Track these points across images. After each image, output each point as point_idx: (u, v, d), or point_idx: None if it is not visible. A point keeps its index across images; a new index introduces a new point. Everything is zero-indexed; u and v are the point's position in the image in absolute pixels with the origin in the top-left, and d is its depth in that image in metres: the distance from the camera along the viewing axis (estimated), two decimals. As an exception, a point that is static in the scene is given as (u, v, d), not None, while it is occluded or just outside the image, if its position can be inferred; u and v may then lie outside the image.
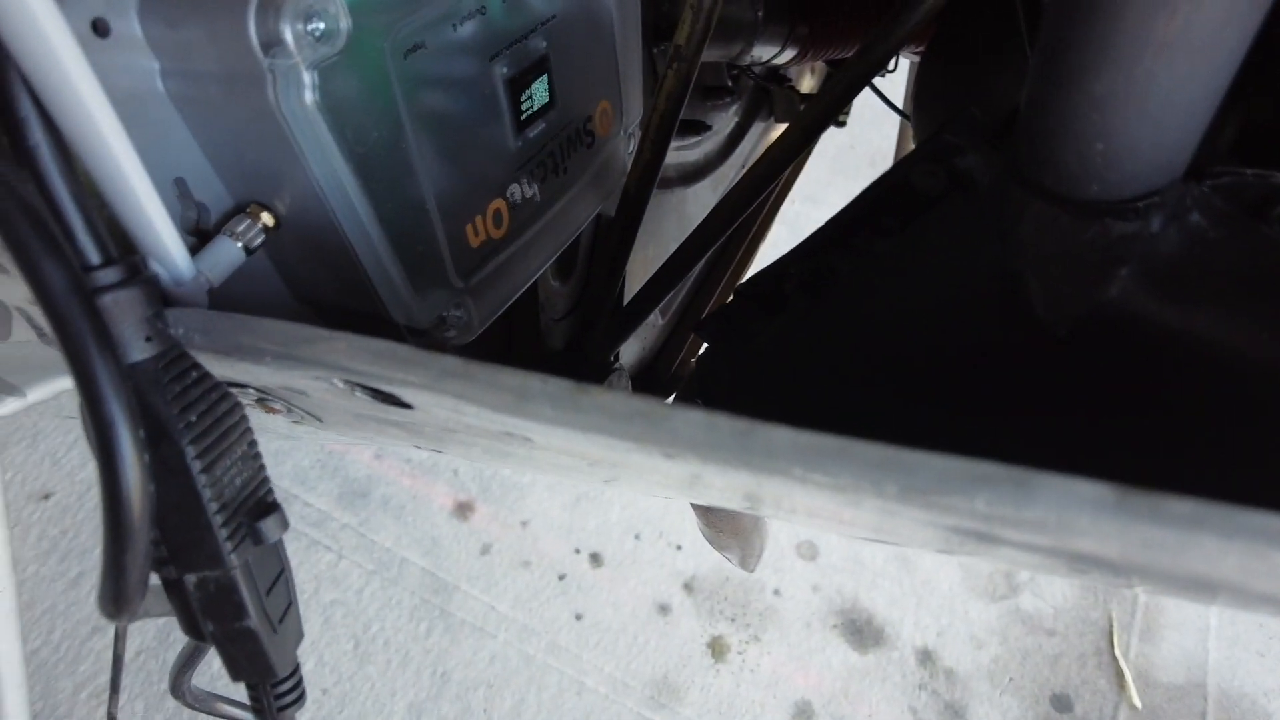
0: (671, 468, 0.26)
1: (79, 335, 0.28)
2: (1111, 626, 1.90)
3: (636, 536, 2.16)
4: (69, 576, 1.88)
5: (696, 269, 1.00)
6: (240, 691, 0.40)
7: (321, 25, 0.33)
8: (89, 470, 2.07)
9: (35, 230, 0.27)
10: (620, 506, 2.20)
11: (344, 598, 1.91)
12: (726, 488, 0.30)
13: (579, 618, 1.96)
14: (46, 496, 2.00)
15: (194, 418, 0.31)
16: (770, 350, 0.52)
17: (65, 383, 0.61)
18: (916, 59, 0.96)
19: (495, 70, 0.44)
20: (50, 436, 2.12)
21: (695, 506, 0.89)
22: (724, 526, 0.91)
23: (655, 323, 0.96)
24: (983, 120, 0.38)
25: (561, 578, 2.06)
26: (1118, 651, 1.85)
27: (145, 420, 0.30)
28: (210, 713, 0.65)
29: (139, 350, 0.30)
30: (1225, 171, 0.34)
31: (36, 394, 0.66)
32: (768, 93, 1.09)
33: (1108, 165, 0.32)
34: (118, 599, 0.31)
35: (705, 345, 0.58)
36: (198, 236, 0.39)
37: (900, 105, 1.15)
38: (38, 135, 0.29)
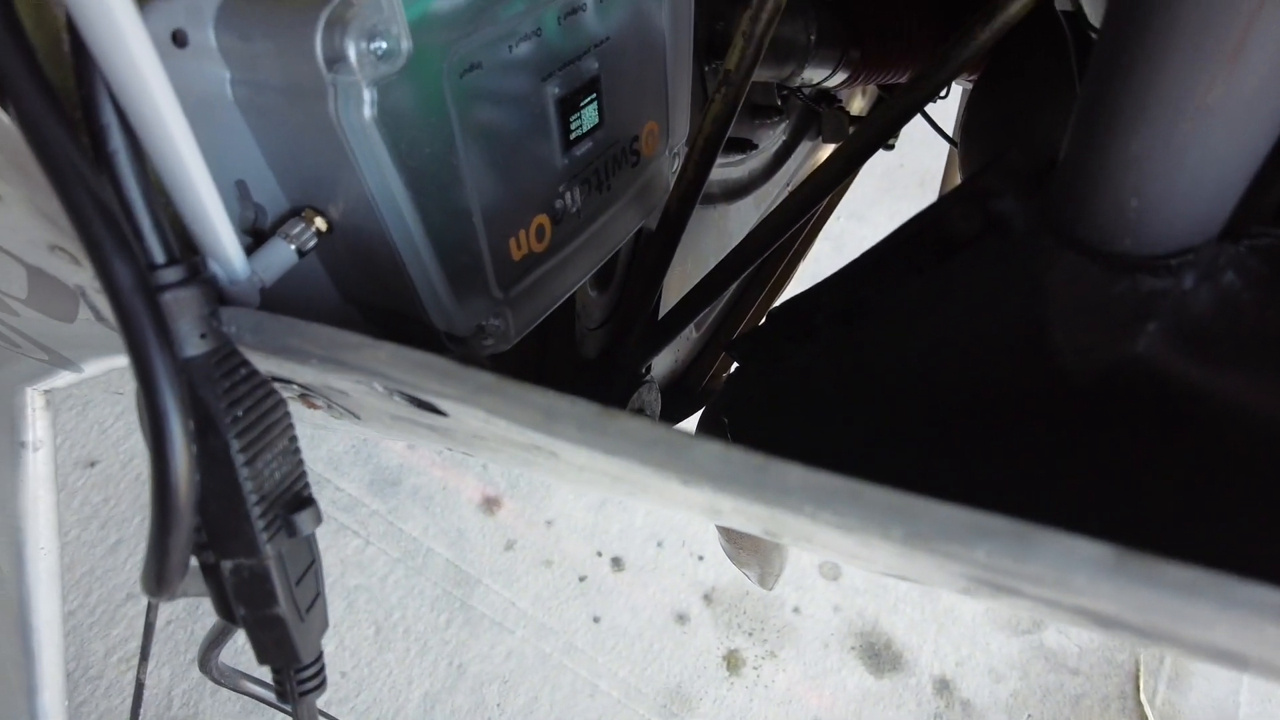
0: (690, 494, 0.27)
1: (141, 330, 0.29)
2: (1138, 671, 1.86)
3: (659, 544, 2.17)
4: (108, 543, 1.95)
5: (733, 287, 1.00)
6: (265, 671, 0.42)
7: (384, 45, 0.35)
8: (133, 441, 2.14)
9: (109, 230, 0.29)
10: (644, 513, 2.21)
11: (368, 583, 1.94)
12: (744, 517, 0.31)
13: (597, 620, 1.97)
14: (92, 464, 2.06)
15: (240, 412, 0.33)
16: (798, 376, 0.53)
17: (117, 361, 0.64)
18: (968, 86, 0.95)
19: (547, 90, 0.45)
20: (99, 406, 2.19)
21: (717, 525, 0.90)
22: (745, 544, 0.92)
23: (689, 336, 0.96)
24: (1023, 164, 0.38)
25: (582, 579, 2.08)
26: (1143, 697, 1.81)
27: (195, 412, 0.32)
28: (234, 689, 0.67)
29: (194, 346, 0.32)
30: (1264, 233, 0.34)
31: (91, 369, 0.68)
32: (816, 113, 1.09)
33: (1141, 221, 0.32)
34: (160, 578, 0.33)
35: (735, 364, 0.59)
36: (254, 236, 0.41)
37: (950, 132, 1.14)
38: (117, 141, 0.30)
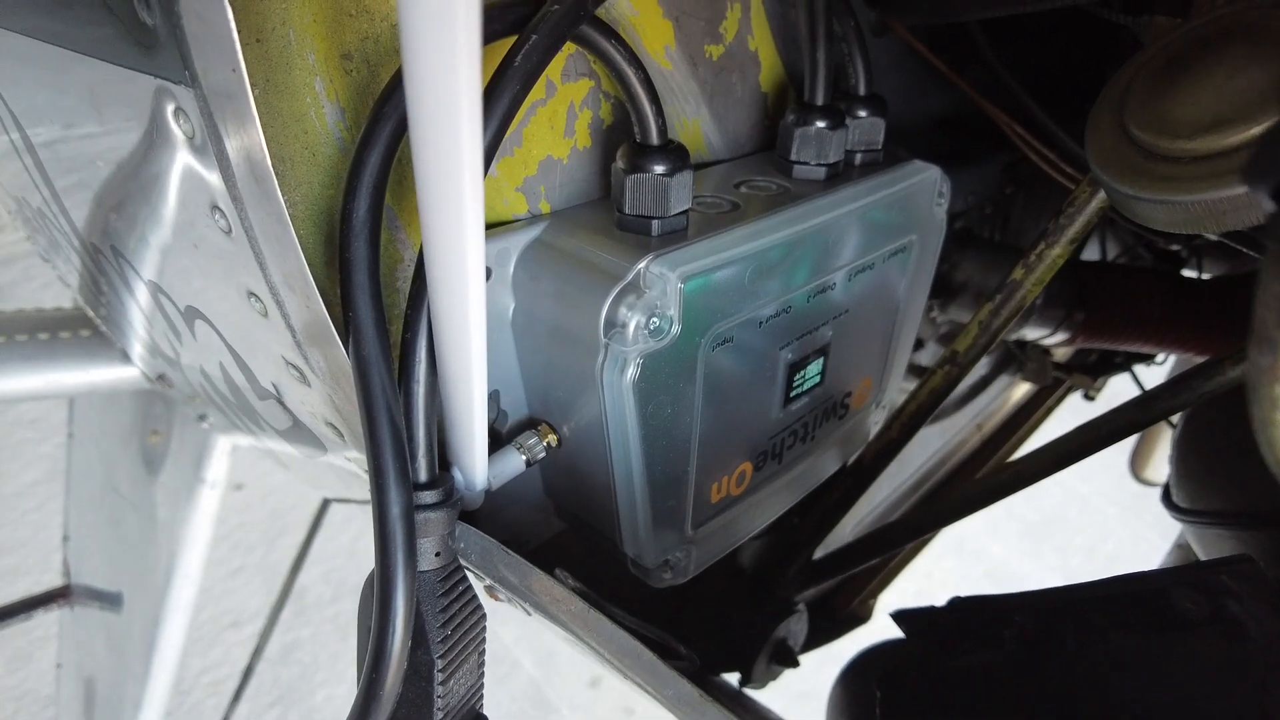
0: None
1: (394, 551, 0.33)
2: None
3: (749, 723, 2.05)
4: (231, 565, 2.06)
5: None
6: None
7: (657, 322, 0.38)
8: (281, 475, 2.28)
9: (396, 462, 0.32)
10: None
11: (456, 680, 1.94)
12: None
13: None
14: (239, 487, 2.21)
15: (449, 631, 0.35)
16: (969, 680, 0.50)
17: (315, 464, 0.69)
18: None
19: (781, 356, 0.47)
20: (259, 437, 2.34)
21: None
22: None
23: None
24: (1265, 575, 0.36)
25: (662, 738, 1.99)
26: None
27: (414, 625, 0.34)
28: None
29: (428, 562, 0.35)
30: None
31: (290, 457, 0.75)
32: (1018, 355, 1.07)
33: None
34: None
35: (901, 637, 0.57)
36: (490, 437, 0.44)
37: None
38: (421, 372, 0.35)
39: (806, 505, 0.69)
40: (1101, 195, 0.49)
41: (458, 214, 0.28)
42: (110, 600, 1.34)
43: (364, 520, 2.39)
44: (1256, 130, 0.30)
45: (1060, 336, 0.87)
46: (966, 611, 0.53)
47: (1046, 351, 1.10)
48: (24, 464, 2.09)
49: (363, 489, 0.60)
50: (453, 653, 0.35)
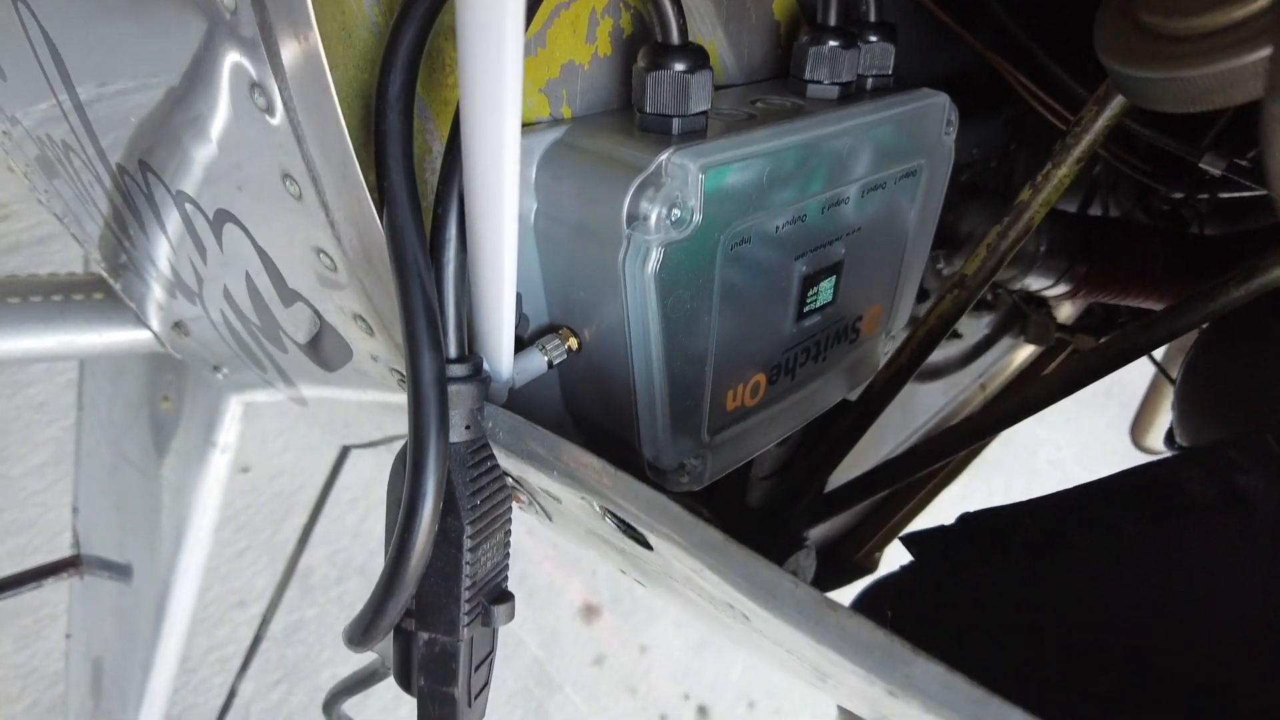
0: (893, 705, 0.27)
1: (427, 416, 0.34)
2: None
3: (751, 704, 2.07)
4: (237, 546, 2.07)
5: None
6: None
7: (679, 213, 0.39)
8: (287, 457, 2.29)
9: (429, 330, 0.33)
10: (743, 668, 2.12)
11: (461, 657, 1.95)
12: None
13: (669, 766, 1.89)
14: (245, 470, 2.22)
15: (478, 501, 0.36)
16: (979, 592, 0.51)
17: (344, 394, 0.70)
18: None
19: (795, 267, 0.48)
20: (267, 417, 2.36)
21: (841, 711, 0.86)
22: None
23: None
24: (1275, 449, 0.37)
25: (663, 718, 2.00)
26: None
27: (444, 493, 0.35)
28: (344, 738, 0.69)
29: (459, 434, 0.36)
30: None
31: (314, 401, 0.76)
32: (1023, 313, 1.08)
33: None
34: (368, 632, 0.37)
35: (912, 560, 0.58)
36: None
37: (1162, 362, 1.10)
38: (451, 254, 0.36)
39: (815, 440, 0.71)
40: (1107, 114, 0.50)
41: (498, 74, 0.29)
42: (120, 571, 1.35)
43: (368, 503, 2.40)
44: (1261, 2, 0.32)
45: (1063, 288, 0.88)
46: (975, 526, 0.54)
47: (1050, 312, 1.11)
48: (32, 446, 2.10)
49: (386, 418, 0.61)
50: (481, 522, 0.37)
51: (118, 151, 0.51)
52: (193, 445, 1.19)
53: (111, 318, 1.00)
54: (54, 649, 1.89)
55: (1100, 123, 0.50)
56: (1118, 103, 0.49)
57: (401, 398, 0.51)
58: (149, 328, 0.96)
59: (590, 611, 2.18)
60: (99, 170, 0.57)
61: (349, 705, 0.64)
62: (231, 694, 1.89)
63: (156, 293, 0.80)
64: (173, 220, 0.52)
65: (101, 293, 0.99)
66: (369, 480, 2.30)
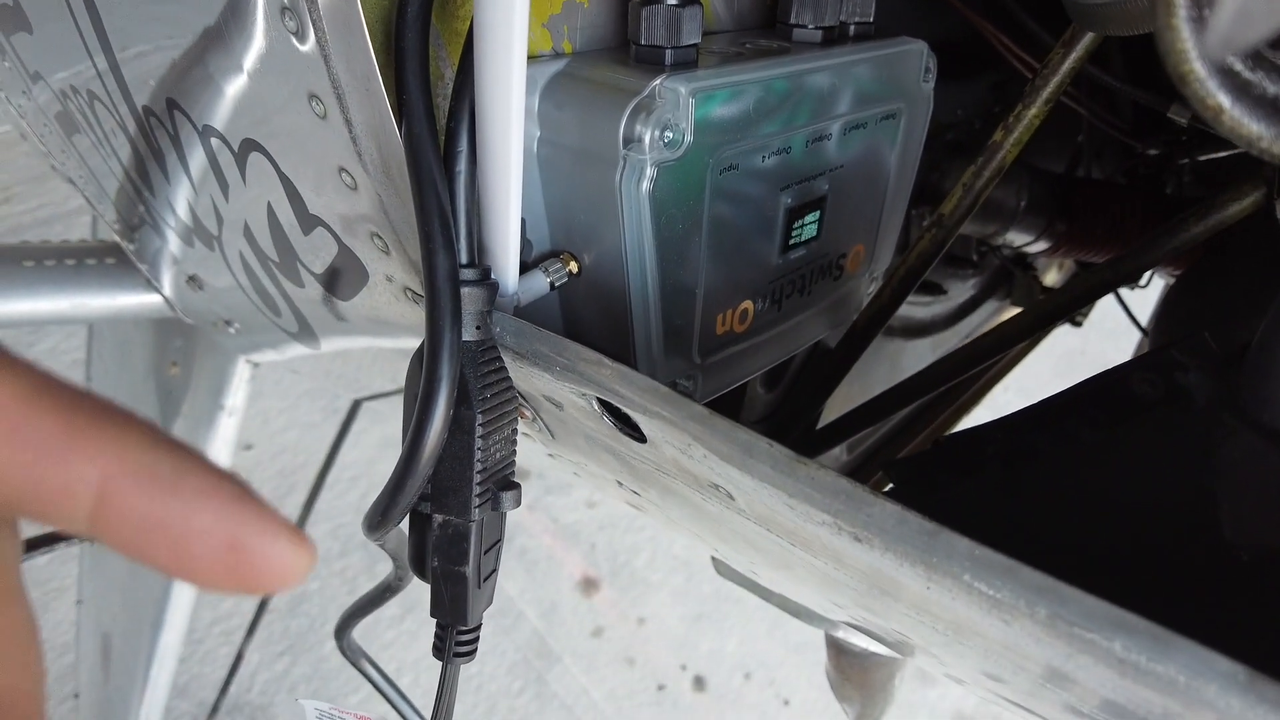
0: (857, 553, 0.31)
1: (442, 310, 0.37)
2: None
3: (746, 675, 2.11)
4: (238, 522, 2.11)
5: (895, 418, 1.03)
6: (383, 659, 0.47)
7: (671, 135, 0.43)
8: (290, 436, 2.33)
9: (443, 231, 0.37)
10: (739, 640, 2.16)
11: (462, 626, 1.99)
12: (896, 593, 0.34)
13: (666, 733, 1.93)
14: (248, 447, 2.25)
15: (489, 395, 0.40)
16: (954, 508, 0.55)
17: (355, 343, 0.74)
18: (1171, 280, 0.96)
19: (781, 199, 0.52)
20: (269, 396, 2.39)
21: (830, 644, 0.90)
22: (852, 675, 0.91)
23: (840, 457, 0.99)
24: (1213, 345, 0.41)
25: (661, 688, 2.04)
26: None
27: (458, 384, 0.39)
28: (354, 664, 0.73)
29: (470, 333, 0.40)
30: None
31: (328, 347, 0.80)
32: (1009, 275, 1.12)
33: (1331, 419, 0.34)
34: (385, 514, 0.40)
35: (890, 486, 0.62)
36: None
37: (1144, 323, 1.13)
38: (463, 165, 0.39)
39: (803, 383, 0.74)
40: (1074, 55, 0.54)
41: (507, 5, 0.33)
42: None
43: (370, 480, 2.42)
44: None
45: (1043, 244, 0.92)
46: (949, 448, 0.57)
47: (1036, 275, 1.15)
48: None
49: (398, 364, 0.64)
50: (492, 413, 0.40)
51: (145, 94, 0.55)
52: (201, 409, 1.22)
53: (123, 282, 1.03)
54: (63, 620, 1.92)
55: (1067, 64, 0.54)
56: (1083, 44, 0.53)
57: (412, 324, 0.55)
58: (160, 292, 0.99)
59: (589, 584, 2.22)
60: (123, 115, 0.60)
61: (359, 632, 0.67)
62: (238, 658, 1.93)
63: (172, 245, 0.83)
64: (197, 158, 0.55)
65: (114, 258, 1.02)
66: (371, 459, 2.34)
